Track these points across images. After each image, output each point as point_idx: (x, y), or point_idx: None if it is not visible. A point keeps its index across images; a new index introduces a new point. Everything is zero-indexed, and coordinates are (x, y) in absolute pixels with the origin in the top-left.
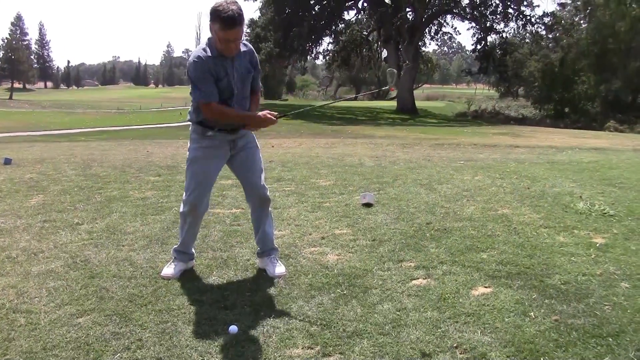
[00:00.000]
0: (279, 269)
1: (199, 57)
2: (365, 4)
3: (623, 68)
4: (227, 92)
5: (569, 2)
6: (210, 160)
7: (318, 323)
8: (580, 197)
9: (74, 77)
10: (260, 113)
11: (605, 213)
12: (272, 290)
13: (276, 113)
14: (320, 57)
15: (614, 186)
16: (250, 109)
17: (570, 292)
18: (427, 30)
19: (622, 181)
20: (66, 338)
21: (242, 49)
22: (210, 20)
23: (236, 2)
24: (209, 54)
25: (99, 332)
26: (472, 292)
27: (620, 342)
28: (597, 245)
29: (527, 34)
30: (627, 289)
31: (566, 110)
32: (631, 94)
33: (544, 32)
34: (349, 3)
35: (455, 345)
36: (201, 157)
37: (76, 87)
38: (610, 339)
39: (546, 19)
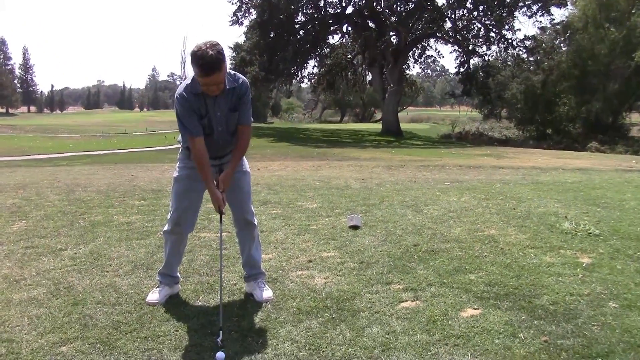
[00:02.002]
0: (267, 293)
1: (181, 94)
2: (349, 28)
3: (603, 90)
4: (208, 129)
5: (549, 25)
6: (195, 181)
7: (307, 348)
8: (566, 217)
9: (58, 101)
10: (218, 193)
11: (591, 233)
12: (259, 315)
13: (223, 208)
14: (306, 80)
15: (598, 206)
16: (238, 143)
17: (558, 313)
18: (411, 53)
19: (605, 201)
20: None
21: (230, 85)
22: (190, 62)
23: (216, 45)
24: (192, 90)
25: None
26: (461, 313)
27: None
28: (584, 265)
29: (509, 57)
30: (614, 308)
31: (549, 131)
32: (611, 115)
33: (525, 55)
34: (334, 27)
35: None
36: (186, 176)
37: (60, 112)
38: (599, 359)
39: (527, 42)
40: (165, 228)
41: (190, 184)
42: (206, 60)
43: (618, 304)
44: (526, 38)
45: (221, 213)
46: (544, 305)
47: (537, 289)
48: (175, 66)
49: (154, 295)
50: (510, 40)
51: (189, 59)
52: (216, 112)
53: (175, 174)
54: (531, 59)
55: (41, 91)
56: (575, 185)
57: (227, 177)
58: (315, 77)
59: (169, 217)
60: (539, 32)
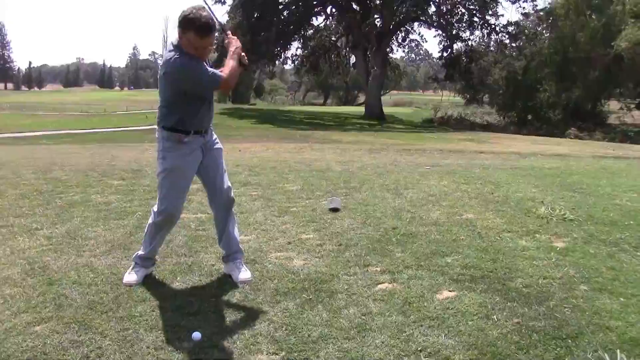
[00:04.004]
0: (245, 274)
1: (183, 62)
2: (333, 10)
3: (583, 77)
4: (201, 98)
5: (532, 12)
6: (189, 169)
7: (283, 328)
8: (542, 202)
9: (36, 78)
10: (231, 48)
11: (566, 218)
12: (237, 296)
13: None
14: (289, 61)
15: (574, 191)
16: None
17: (531, 295)
18: (394, 37)
19: (581, 187)
20: (22, 347)
21: None
22: (181, 28)
23: (204, 8)
24: (188, 56)
25: (56, 341)
26: (436, 296)
27: (579, 343)
28: (558, 249)
29: (492, 43)
30: (585, 291)
31: (529, 117)
32: (590, 102)
33: (508, 41)
34: (318, 9)
35: (419, 348)
36: (181, 165)
37: (38, 89)
38: (569, 341)
39: (510, 28)
40: (157, 219)
41: (183, 174)
42: (202, 22)
43: (589, 287)
44: (509, 24)
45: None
46: (517, 288)
47: (511, 272)
48: (157, 45)
49: (131, 276)
50: (493, 26)
51: (171, 34)
52: None
53: (163, 166)
54: (514, 44)
55: (18, 68)
56: (552, 171)
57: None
58: (299, 59)
59: (161, 208)
60: (522, 18)
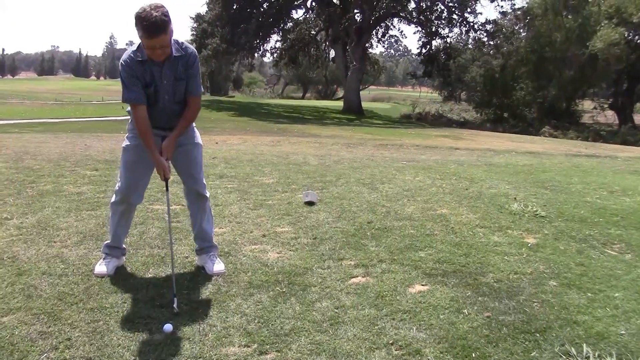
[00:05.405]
0: (218, 266)
1: (126, 60)
2: (313, 4)
3: (558, 76)
4: (154, 98)
5: (510, 10)
6: (144, 151)
7: (256, 321)
8: (515, 198)
9: (9, 66)
10: (162, 160)
11: (537, 214)
12: (210, 288)
13: (169, 175)
14: (268, 54)
15: (546, 188)
16: (185, 113)
17: (502, 290)
18: (374, 32)
19: (553, 184)
20: None
21: (176, 53)
22: (135, 25)
23: (161, 7)
24: (138, 57)
25: (24, 332)
26: (409, 289)
27: (547, 337)
28: (529, 245)
29: (470, 40)
30: (554, 286)
31: (505, 115)
32: (565, 101)
33: (485, 39)
34: (298, 2)
35: (391, 342)
36: (135, 146)
37: (11, 77)
38: (537, 335)
39: (488, 26)
40: (113, 199)
41: (139, 154)
42: (151, 21)
43: (558, 282)
44: (487, 22)
45: (166, 181)
46: (488, 283)
47: (483, 267)
48: (134, 34)
49: (102, 267)
50: (472, 24)
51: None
52: (162, 80)
53: (124, 144)
54: (491, 43)
55: None
56: (526, 168)
57: (170, 143)
58: (278, 52)
59: (117, 188)
60: (500, 16)
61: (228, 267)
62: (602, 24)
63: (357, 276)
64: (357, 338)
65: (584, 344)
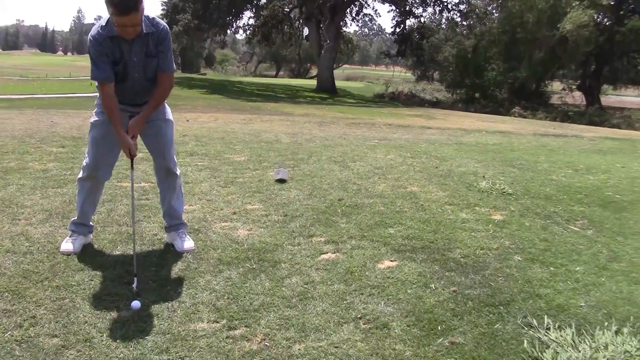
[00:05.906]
0: (188, 243)
1: (94, 36)
2: None
3: (529, 57)
4: (122, 74)
5: None
6: (112, 131)
7: (225, 297)
8: (483, 176)
9: None
10: (128, 139)
11: (505, 192)
12: (179, 265)
13: (135, 153)
14: (241, 31)
15: (514, 167)
16: (155, 90)
17: (468, 265)
18: (348, 10)
19: (521, 162)
20: None
21: (147, 30)
22: (105, 2)
23: None
24: (107, 33)
25: None
26: (378, 265)
27: (510, 310)
28: (496, 221)
29: (444, 20)
30: (519, 261)
31: (477, 95)
32: (535, 82)
33: (459, 19)
34: None
35: (359, 316)
36: (102, 121)
37: None
38: (501, 307)
39: (462, 6)
40: (80, 175)
41: (107, 129)
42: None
43: (522, 257)
44: (461, 2)
45: (132, 159)
46: (455, 258)
47: (451, 243)
48: (103, 8)
49: (68, 245)
50: (445, 3)
51: None
52: (132, 57)
53: (93, 119)
54: (464, 23)
55: None
56: (495, 147)
57: (137, 123)
58: (251, 29)
59: (84, 163)
60: None
61: (198, 244)
62: (573, 6)
63: (327, 252)
64: (326, 313)
65: (545, 316)
